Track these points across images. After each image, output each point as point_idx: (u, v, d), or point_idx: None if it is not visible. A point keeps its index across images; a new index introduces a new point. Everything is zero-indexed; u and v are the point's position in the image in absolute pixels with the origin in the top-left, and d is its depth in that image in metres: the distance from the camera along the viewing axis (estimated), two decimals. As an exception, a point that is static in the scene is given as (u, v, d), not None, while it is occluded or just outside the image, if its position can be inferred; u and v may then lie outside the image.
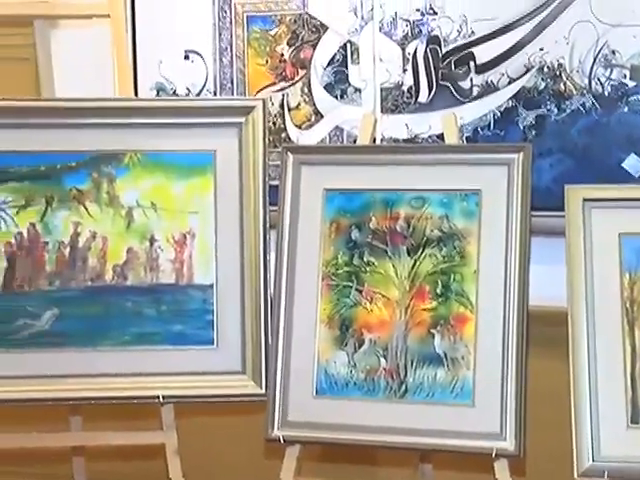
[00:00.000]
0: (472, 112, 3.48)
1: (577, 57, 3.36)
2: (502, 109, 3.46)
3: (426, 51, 3.50)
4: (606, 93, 3.34)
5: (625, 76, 3.32)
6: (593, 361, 2.90)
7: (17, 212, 3.25)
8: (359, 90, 3.58)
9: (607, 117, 3.35)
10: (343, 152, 3.27)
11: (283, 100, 3.65)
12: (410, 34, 3.51)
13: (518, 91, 3.44)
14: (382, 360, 3.06)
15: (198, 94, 3.68)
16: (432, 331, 3.03)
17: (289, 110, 3.66)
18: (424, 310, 3.05)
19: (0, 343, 3.20)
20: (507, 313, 2.97)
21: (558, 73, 3.39)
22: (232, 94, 3.65)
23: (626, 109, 3.33)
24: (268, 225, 3.23)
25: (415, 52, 3.51)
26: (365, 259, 3.12)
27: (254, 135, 3.24)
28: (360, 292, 3.11)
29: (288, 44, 3.63)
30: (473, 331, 3.00)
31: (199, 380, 3.21)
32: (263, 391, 3.18)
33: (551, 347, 3.23)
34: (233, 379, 3.21)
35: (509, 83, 3.44)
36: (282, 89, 3.65)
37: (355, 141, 3.50)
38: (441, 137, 3.39)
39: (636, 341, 2.91)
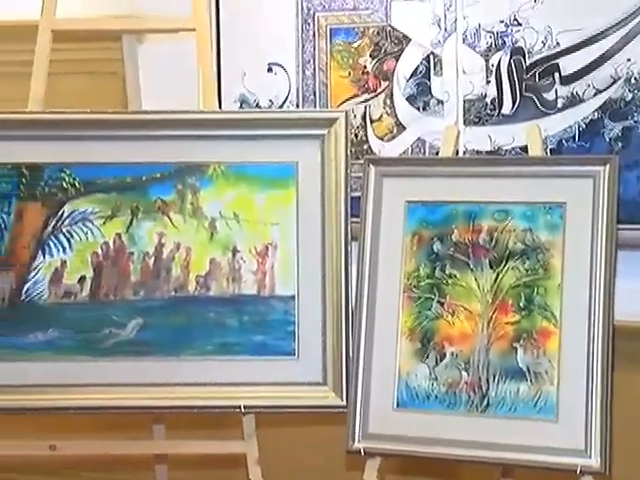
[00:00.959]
0: (557, 124, 3.45)
1: (665, 68, 3.31)
2: (587, 121, 3.41)
3: (510, 62, 3.48)
4: (695, 104, 3.29)
5: None
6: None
7: (104, 223, 3.30)
8: (442, 102, 3.57)
9: (696, 129, 3.30)
10: (425, 164, 3.26)
11: (365, 112, 3.65)
12: (494, 45, 3.49)
13: (604, 102, 3.39)
14: (464, 373, 3.03)
15: (281, 106, 3.71)
16: (515, 345, 3.00)
17: (371, 122, 3.66)
18: (507, 323, 3.02)
19: (87, 352, 3.25)
20: (592, 327, 2.92)
21: (646, 84, 3.34)
22: (315, 106, 3.67)
23: None
24: (350, 237, 3.23)
25: (499, 63, 3.49)
26: (447, 271, 3.10)
27: (336, 147, 3.24)
28: (442, 304, 3.09)
29: (371, 56, 3.63)
30: (557, 345, 2.95)
31: (280, 390, 3.22)
32: (344, 403, 3.17)
33: (636, 363, 3.17)
34: (314, 390, 3.22)
35: (595, 94, 3.40)
36: (364, 101, 3.65)
37: (437, 153, 3.48)
38: (525, 149, 3.36)
39: None
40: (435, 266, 3.12)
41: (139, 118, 3.36)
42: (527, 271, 3.03)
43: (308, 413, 3.26)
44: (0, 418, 3.32)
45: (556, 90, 3.44)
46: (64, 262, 3.28)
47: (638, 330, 3.10)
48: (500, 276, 3.05)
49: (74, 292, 3.28)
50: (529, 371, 2.97)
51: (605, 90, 3.38)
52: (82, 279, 3.28)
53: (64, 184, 3.29)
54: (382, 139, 3.65)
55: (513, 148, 3.50)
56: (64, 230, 3.29)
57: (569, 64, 3.41)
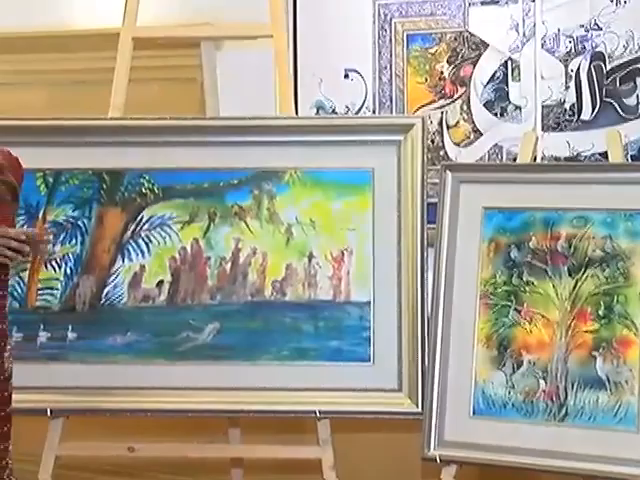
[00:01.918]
0: (638, 129, 3.39)
1: None
2: (670, 126, 3.36)
3: (590, 67, 3.43)
4: None
5: None
6: None
7: (181, 228, 3.33)
8: (520, 108, 3.54)
9: None
10: (503, 170, 3.24)
11: (442, 118, 3.63)
12: (573, 50, 3.45)
13: (687, 108, 3.33)
14: (541, 382, 3.00)
15: (357, 112, 3.70)
16: (594, 353, 2.96)
17: (448, 128, 3.63)
18: (586, 332, 2.98)
19: (164, 355, 3.29)
20: (674, 337, 2.87)
21: None
22: (391, 112, 3.65)
23: None
24: (426, 243, 3.22)
25: (578, 68, 3.45)
26: (524, 278, 3.07)
27: (413, 153, 3.24)
28: (519, 312, 3.06)
29: (448, 62, 3.61)
30: (638, 355, 2.90)
31: (355, 396, 3.22)
32: (419, 409, 3.16)
33: None
34: (389, 396, 3.21)
35: (678, 99, 3.34)
36: (441, 107, 3.63)
37: (515, 159, 3.45)
38: (604, 155, 3.31)
39: None
40: (512, 273, 3.09)
41: (217, 124, 3.40)
42: (607, 279, 2.98)
43: (383, 419, 3.26)
44: (80, 419, 3.37)
45: (637, 95, 3.38)
46: (143, 266, 3.33)
47: None
48: (579, 284, 3.01)
49: (152, 296, 3.32)
50: (609, 380, 2.92)
51: (688, 95, 3.33)
52: (160, 283, 3.32)
53: (143, 189, 3.33)
54: (459, 145, 3.63)
55: (592, 154, 3.45)
56: (143, 235, 3.33)
57: (652, 69, 3.36)
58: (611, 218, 3.00)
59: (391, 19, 3.64)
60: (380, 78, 3.67)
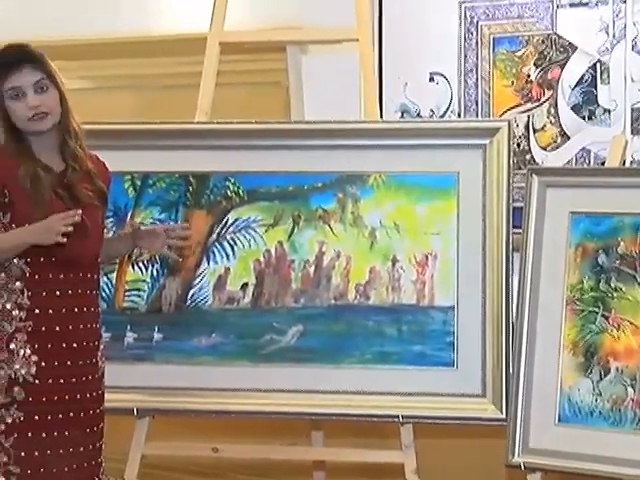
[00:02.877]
0: None
1: None
2: None
3: (681, 70, 3.36)
4: None
5: None
6: None
7: (266, 230, 3.34)
8: (608, 111, 3.48)
9: None
10: (591, 174, 3.19)
11: (528, 121, 3.59)
12: (665, 52, 3.39)
13: None
14: (629, 390, 2.94)
15: (442, 116, 3.68)
16: (684, 362, 2.90)
17: (534, 131, 3.59)
18: (676, 340, 2.92)
19: (248, 357, 3.30)
20: None
21: None
22: (476, 116, 3.63)
23: None
24: (511, 248, 3.19)
25: (671, 71, 3.38)
26: (612, 284, 3.02)
27: (499, 157, 3.21)
28: (606, 318, 3.01)
29: (535, 65, 3.57)
30: None
31: (438, 401, 3.21)
32: (503, 416, 3.14)
33: None
34: (473, 402, 3.19)
35: None
36: (527, 110, 3.59)
37: (603, 163, 3.40)
38: (696, 159, 3.25)
39: None
40: (600, 279, 3.04)
41: (302, 128, 3.41)
42: (697, 285, 2.92)
43: (466, 425, 3.24)
44: (165, 419, 3.41)
45: None
46: (228, 269, 3.35)
47: None
48: (669, 291, 2.95)
49: (237, 298, 3.34)
50: (700, 389, 2.86)
51: None
52: (245, 286, 3.34)
53: (229, 192, 3.35)
54: (545, 149, 3.58)
55: (683, 158, 3.38)
56: (228, 237, 3.35)
57: None
58: None
59: (477, 22, 3.62)
60: (466, 81, 3.65)
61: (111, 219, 3.31)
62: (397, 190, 3.28)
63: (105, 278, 3.29)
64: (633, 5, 3.39)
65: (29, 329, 2.68)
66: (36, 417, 2.68)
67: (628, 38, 3.41)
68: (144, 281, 3.37)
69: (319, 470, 3.65)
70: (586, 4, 3.47)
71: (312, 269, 3.32)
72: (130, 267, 3.37)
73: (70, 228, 2.62)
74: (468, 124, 3.39)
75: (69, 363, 2.72)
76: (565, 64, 3.52)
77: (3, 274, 2.68)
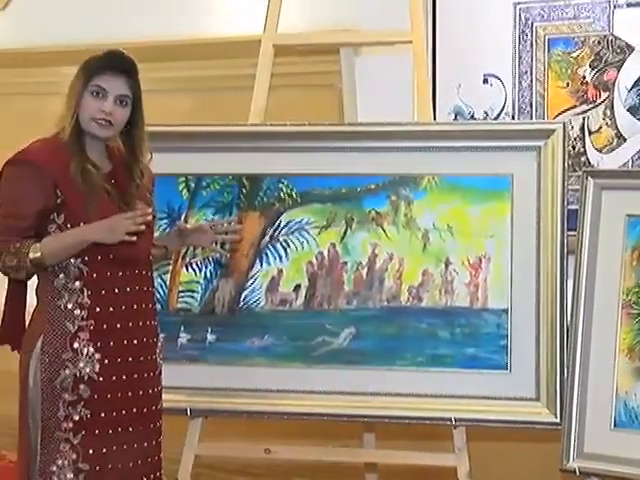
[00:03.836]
0: None
1: None
2: None
3: None
4: None
5: None
6: None
7: (319, 232, 3.34)
8: (666, 113, 3.44)
9: None
10: (647, 177, 3.15)
11: (584, 123, 3.55)
12: None
13: None
14: (687, 395, 2.91)
15: (496, 118, 3.66)
16: None
17: (590, 133, 3.55)
18: None
19: (300, 359, 3.31)
20: None
21: None
22: (531, 118, 3.60)
23: None
24: (566, 250, 3.16)
25: None
26: (669, 288, 2.99)
27: (553, 159, 3.18)
28: (663, 322, 2.98)
29: (590, 66, 3.53)
30: None
31: (491, 404, 3.19)
32: (558, 420, 3.11)
33: None
34: (526, 405, 3.16)
35: None
36: (583, 112, 3.56)
37: (660, 165, 3.37)
38: None
39: None
40: (656, 283, 3.00)
41: (355, 130, 3.40)
42: None
43: (520, 428, 3.21)
44: (218, 420, 3.41)
45: None
46: (280, 270, 3.35)
47: None
48: None
49: (289, 300, 3.34)
50: None
51: None
52: (297, 287, 3.34)
53: (282, 194, 3.36)
54: (601, 151, 3.54)
55: None
56: (281, 239, 3.36)
57: None
58: None
59: (532, 23, 3.59)
60: (520, 83, 3.62)
61: (165, 221, 3.34)
62: (450, 192, 3.26)
63: (159, 279, 3.31)
64: (693, 5, 3.36)
65: (91, 328, 2.72)
66: (102, 414, 2.72)
67: (687, 38, 3.38)
68: (197, 282, 3.38)
69: (371, 472, 3.64)
70: (644, 4, 3.45)
71: (365, 271, 3.31)
72: (184, 268, 3.39)
73: (142, 227, 2.67)
74: (522, 126, 3.37)
75: (130, 360, 2.76)
76: (622, 65, 3.48)
77: (62, 274, 2.72)
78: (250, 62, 3.49)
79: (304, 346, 3.30)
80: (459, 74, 3.69)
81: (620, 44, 3.48)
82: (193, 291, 3.38)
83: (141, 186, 2.81)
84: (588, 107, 3.55)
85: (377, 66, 3.79)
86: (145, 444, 2.80)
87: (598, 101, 3.53)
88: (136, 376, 2.77)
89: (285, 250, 3.35)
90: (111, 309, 2.74)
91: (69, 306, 2.72)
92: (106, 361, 2.72)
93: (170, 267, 3.37)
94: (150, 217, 2.71)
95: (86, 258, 2.72)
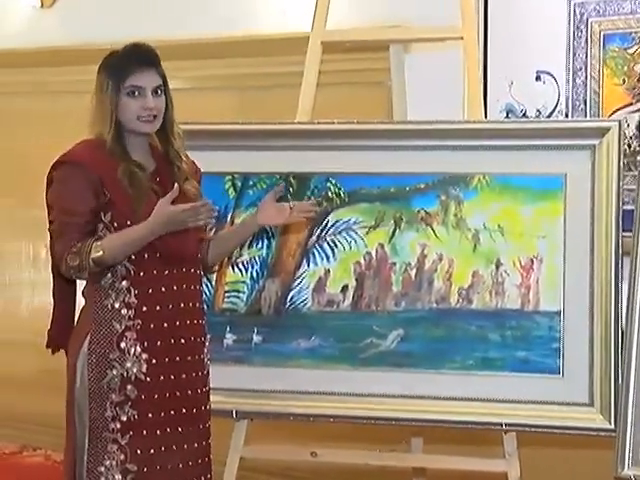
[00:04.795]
0: None
1: None
2: None
3: None
4: None
5: None
6: None
7: (367, 232, 3.30)
8: None
9: None
10: None
11: (640, 121, 3.49)
12: None
13: None
14: None
15: (549, 116, 3.59)
16: None
17: (646, 132, 3.49)
18: None
19: (348, 361, 3.27)
20: None
21: None
22: (585, 116, 3.53)
23: None
24: (621, 252, 3.09)
25: None
26: None
27: (608, 158, 3.12)
28: None
29: (647, 63, 3.48)
30: None
31: (543, 409, 3.14)
32: (612, 426, 3.05)
33: None
34: (579, 411, 3.11)
35: None
36: (639, 110, 3.47)
37: None
38: None
39: None
40: None
41: (404, 128, 3.37)
42: None
43: (573, 435, 3.16)
44: (263, 422, 3.40)
45: None
46: (328, 271, 3.32)
47: None
48: None
49: (337, 301, 3.31)
50: None
51: None
52: (345, 288, 3.31)
53: (329, 193, 3.33)
54: (657, 150, 3.47)
55: None
56: (328, 239, 3.33)
57: None
58: None
59: (587, 19, 3.52)
60: (574, 80, 3.56)
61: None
62: (502, 192, 3.21)
63: (205, 279, 3.27)
64: None
65: (138, 327, 2.71)
66: (150, 415, 2.71)
67: None
68: (244, 282, 3.36)
69: (419, 477, 3.59)
70: None
71: (413, 272, 3.27)
72: (230, 268, 3.37)
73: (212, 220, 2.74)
74: (576, 124, 3.31)
75: (178, 359, 2.75)
76: (680, 61, 3.41)
77: (109, 274, 2.71)
78: (298, 59, 3.47)
79: (351, 348, 3.26)
80: (511, 71, 3.64)
81: (679, 39, 3.41)
82: (239, 291, 3.36)
83: (182, 169, 2.79)
84: (645, 105, 3.48)
85: (427, 63, 3.74)
86: (195, 445, 2.79)
87: (655, 98, 3.46)
88: (184, 376, 2.76)
89: (332, 250, 3.32)
90: (158, 308, 2.72)
91: (116, 305, 2.71)
92: (153, 361, 2.71)
93: (216, 267, 3.32)
94: (210, 207, 2.70)
95: (133, 257, 2.71)
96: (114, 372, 2.69)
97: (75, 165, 2.70)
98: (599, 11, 3.51)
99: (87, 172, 2.68)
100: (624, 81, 3.50)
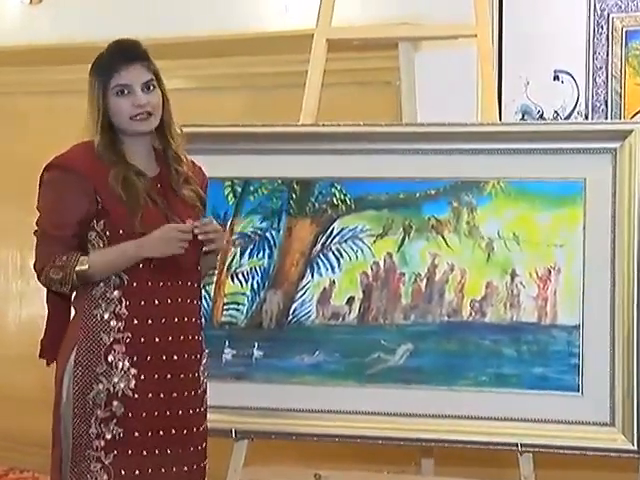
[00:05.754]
0: None
1: None
2: None
3: None
4: None
5: None
6: None
7: (374, 241, 3.22)
8: None
9: None
10: None
11: (666, 123, 3.39)
12: None
13: None
14: None
15: (567, 117, 3.54)
16: None
17: (672, 134, 3.38)
18: None
19: (354, 377, 3.18)
20: None
21: None
22: (606, 117, 3.47)
23: None
24: (644, 262, 2.98)
25: None
26: None
27: (631, 162, 3.02)
28: None
29: (673, 61, 3.39)
30: None
31: (561, 429, 3.03)
32: (635, 447, 2.95)
33: None
34: (600, 431, 3.00)
35: None
36: (665, 111, 3.41)
37: None
38: None
39: None
40: None
41: (414, 131, 3.27)
42: None
43: (593, 456, 3.03)
44: (265, 442, 3.28)
45: None
46: (333, 282, 3.23)
47: None
48: None
49: (342, 314, 3.22)
50: None
51: None
52: (350, 300, 3.22)
53: (335, 200, 3.25)
54: (681, 153, 3.37)
55: None
56: (333, 248, 3.24)
57: None
58: None
59: (608, 15, 3.45)
60: (594, 80, 3.49)
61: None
62: (517, 198, 3.12)
63: (202, 291, 3.19)
64: None
65: (127, 340, 2.61)
66: (136, 433, 2.60)
67: None
68: (244, 294, 3.27)
69: (429, 500, 3.50)
70: None
71: (424, 283, 3.18)
72: (229, 279, 3.28)
73: (186, 244, 2.59)
74: (596, 126, 3.23)
75: (169, 377, 2.64)
76: None
77: (102, 283, 2.61)
78: (302, 58, 3.39)
79: (358, 363, 3.17)
80: (527, 70, 3.58)
81: None
82: (239, 303, 3.27)
83: (180, 172, 2.68)
84: (669, 106, 3.39)
85: (438, 62, 3.67)
86: (185, 468, 2.66)
87: (681, 99, 3.38)
88: (175, 395, 2.63)
89: (338, 260, 3.23)
90: (149, 321, 2.62)
91: (105, 316, 2.61)
92: (142, 377, 2.60)
93: (214, 277, 3.26)
94: (197, 230, 2.59)
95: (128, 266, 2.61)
96: (100, 386, 2.59)
97: (67, 170, 2.60)
98: (621, 7, 3.44)
99: (79, 178, 2.59)
100: (648, 80, 3.43)
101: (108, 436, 2.58)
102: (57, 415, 2.64)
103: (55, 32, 4.22)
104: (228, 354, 3.24)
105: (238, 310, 3.27)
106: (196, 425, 2.68)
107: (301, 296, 3.24)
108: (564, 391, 3.04)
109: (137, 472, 2.60)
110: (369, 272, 3.22)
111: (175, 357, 2.64)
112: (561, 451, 3.04)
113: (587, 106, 3.51)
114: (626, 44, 3.43)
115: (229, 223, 3.28)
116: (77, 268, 2.57)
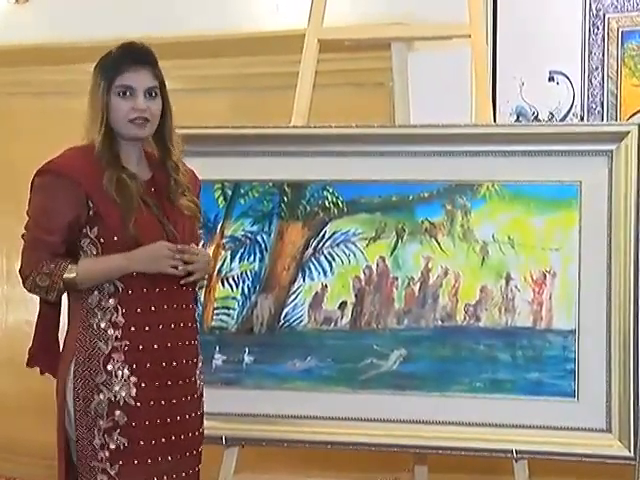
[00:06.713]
0: None
1: None
2: None
3: None
4: None
5: None
6: None
7: (367, 245, 3.19)
8: None
9: None
10: None
11: (661, 125, 3.37)
12: None
13: None
14: None
15: (562, 119, 3.53)
16: None
17: (666, 136, 3.36)
18: None
19: (346, 383, 3.15)
20: None
21: None
22: (602, 119, 3.47)
23: None
24: (640, 266, 2.96)
25: None
26: None
27: (627, 164, 2.99)
28: None
29: (669, 62, 3.38)
30: None
31: (556, 435, 3.00)
32: (631, 454, 2.92)
33: None
34: (596, 437, 2.98)
35: None
36: (660, 112, 3.39)
37: None
38: None
39: None
40: None
41: (407, 133, 3.24)
42: None
43: (589, 462, 3.01)
44: (256, 449, 3.25)
45: None
46: (325, 286, 3.20)
47: None
48: None
49: (334, 318, 3.19)
50: None
51: None
52: (343, 305, 3.19)
53: (327, 203, 3.22)
54: (679, 156, 3.35)
55: None
56: (325, 252, 3.21)
57: None
58: None
59: (604, 15, 3.44)
60: (590, 81, 3.48)
61: (200, 231, 3.13)
62: (512, 201, 3.10)
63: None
64: None
65: (125, 348, 2.58)
66: (141, 442, 2.58)
67: None
68: (234, 299, 3.24)
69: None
70: None
71: (417, 287, 3.15)
72: (219, 283, 3.24)
73: (189, 267, 2.58)
74: (592, 128, 3.19)
75: (169, 383, 2.62)
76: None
77: (96, 291, 2.59)
78: (293, 59, 3.35)
79: (350, 369, 3.14)
80: (522, 71, 3.57)
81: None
82: (229, 308, 3.24)
83: (179, 182, 2.65)
84: (666, 107, 3.38)
85: (431, 63, 3.66)
86: (183, 474, 2.64)
87: (678, 100, 3.37)
88: (175, 401, 2.62)
89: (330, 264, 3.20)
90: (147, 328, 2.59)
91: (102, 325, 2.58)
92: (143, 384, 2.57)
93: (204, 282, 3.17)
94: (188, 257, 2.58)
95: None
96: (101, 396, 2.56)
97: (58, 176, 2.57)
98: (617, 7, 3.43)
99: (72, 183, 2.55)
100: (644, 82, 3.41)
101: (112, 446, 2.56)
102: (61, 429, 2.62)
103: (42, 32, 4.16)
104: (218, 359, 3.21)
105: (229, 315, 3.24)
106: (193, 430, 2.67)
107: (293, 300, 3.21)
108: (560, 397, 3.02)
109: None
110: (362, 276, 3.19)
111: (174, 363, 2.62)
112: (557, 457, 3.02)
113: (583, 107, 3.50)
114: (622, 45, 3.42)
115: (219, 226, 3.24)
116: (65, 276, 2.54)
